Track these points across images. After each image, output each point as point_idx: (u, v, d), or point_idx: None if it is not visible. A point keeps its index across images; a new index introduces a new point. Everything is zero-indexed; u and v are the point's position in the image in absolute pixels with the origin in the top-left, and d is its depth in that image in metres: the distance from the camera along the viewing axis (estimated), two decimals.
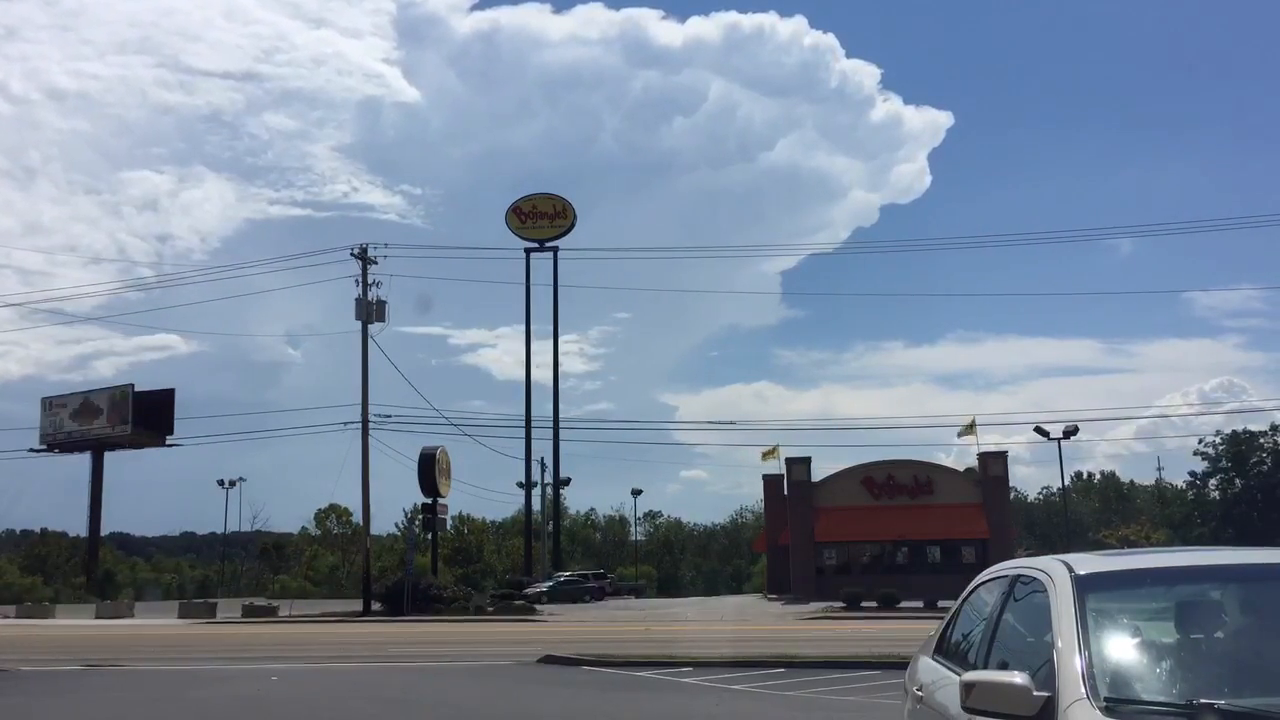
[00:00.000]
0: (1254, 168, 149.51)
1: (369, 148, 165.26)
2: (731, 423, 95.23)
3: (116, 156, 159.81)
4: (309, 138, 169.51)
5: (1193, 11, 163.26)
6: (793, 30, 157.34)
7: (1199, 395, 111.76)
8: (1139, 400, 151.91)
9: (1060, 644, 3.97)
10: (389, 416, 55.51)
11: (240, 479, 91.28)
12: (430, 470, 54.68)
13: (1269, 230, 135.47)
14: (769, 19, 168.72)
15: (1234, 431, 78.13)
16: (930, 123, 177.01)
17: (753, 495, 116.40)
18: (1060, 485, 70.43)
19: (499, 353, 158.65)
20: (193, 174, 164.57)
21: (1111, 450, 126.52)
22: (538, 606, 49.05)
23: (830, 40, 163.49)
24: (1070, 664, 3.84)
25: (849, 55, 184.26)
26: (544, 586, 58.61)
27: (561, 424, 69.23)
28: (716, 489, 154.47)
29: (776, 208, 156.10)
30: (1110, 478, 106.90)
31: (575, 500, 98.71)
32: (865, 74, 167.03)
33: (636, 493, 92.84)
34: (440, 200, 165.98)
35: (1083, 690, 3.71)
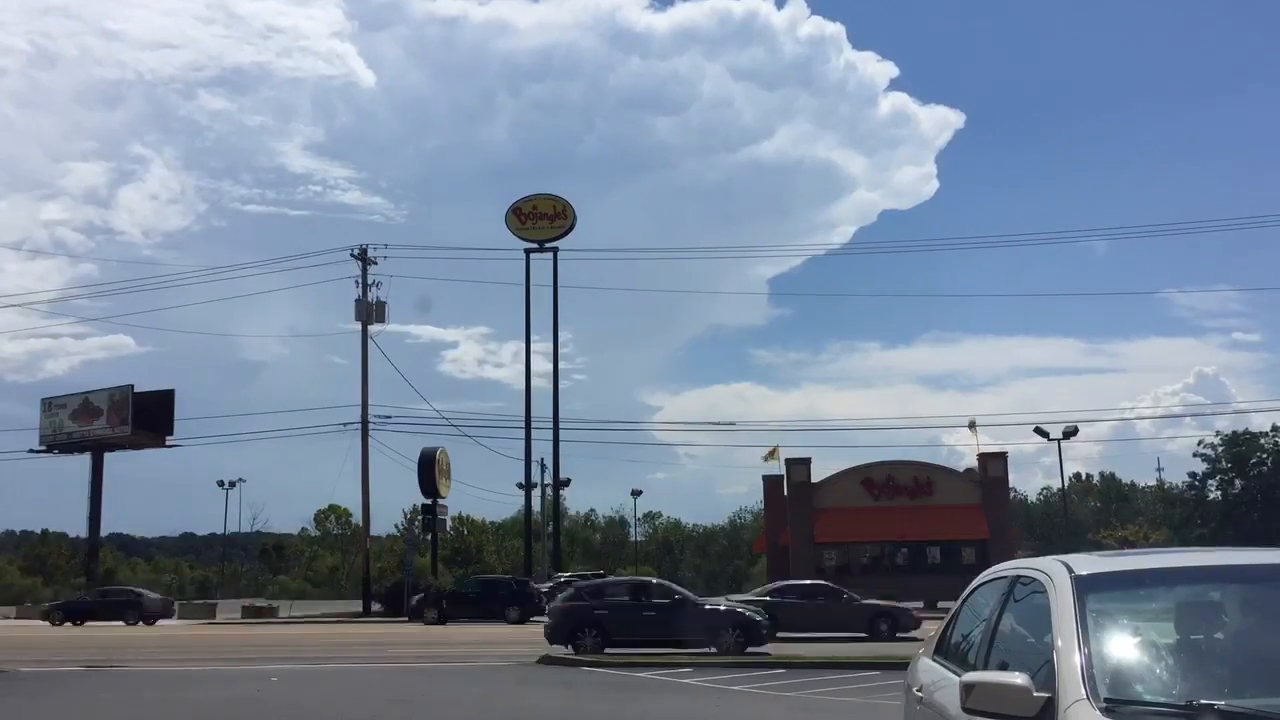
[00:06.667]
0: (1239, 171, 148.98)
1: (331, 134, 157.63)
2: (732, 424, 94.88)
3: (50, 144, 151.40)
4: (266, 128, 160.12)
5: (1192, 18, 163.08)
6: (792, 18, 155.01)
7: (1181, 395, 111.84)
8: (1129, 400, 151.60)
9: (1060, 644, 3.97)
10: (389, 417, 55.59)
11: (240, 480, 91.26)
12: (430, 471, 54.68)
13: (1245, 232, 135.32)
14: (766, 6, 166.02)
15: (1234, 432, 78.11)
16: (940, 121, 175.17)
17: (743, 497, 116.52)
18: (1060, 486, 70.59)
19: (459, 353, 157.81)
20: (136, 162, 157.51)
21: (1088, 451, 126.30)
22: None
23: (837, 30, 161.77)
24: (1070, 664, 3.84)
25: (856, 47, 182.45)
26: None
27: (558, 425, 69.07)
28: (709, 490, 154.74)
29: (771, 208, 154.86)
30: (1110, 479, 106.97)
31: (573, 501, 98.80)
32: (875, 69, 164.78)
33: (636, 493, 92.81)
34: (404, 189, 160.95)
35: (1083, 691, 3.71)
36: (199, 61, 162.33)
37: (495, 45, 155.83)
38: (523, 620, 39.24)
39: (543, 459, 69.99)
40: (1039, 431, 57.50)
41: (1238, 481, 78.86)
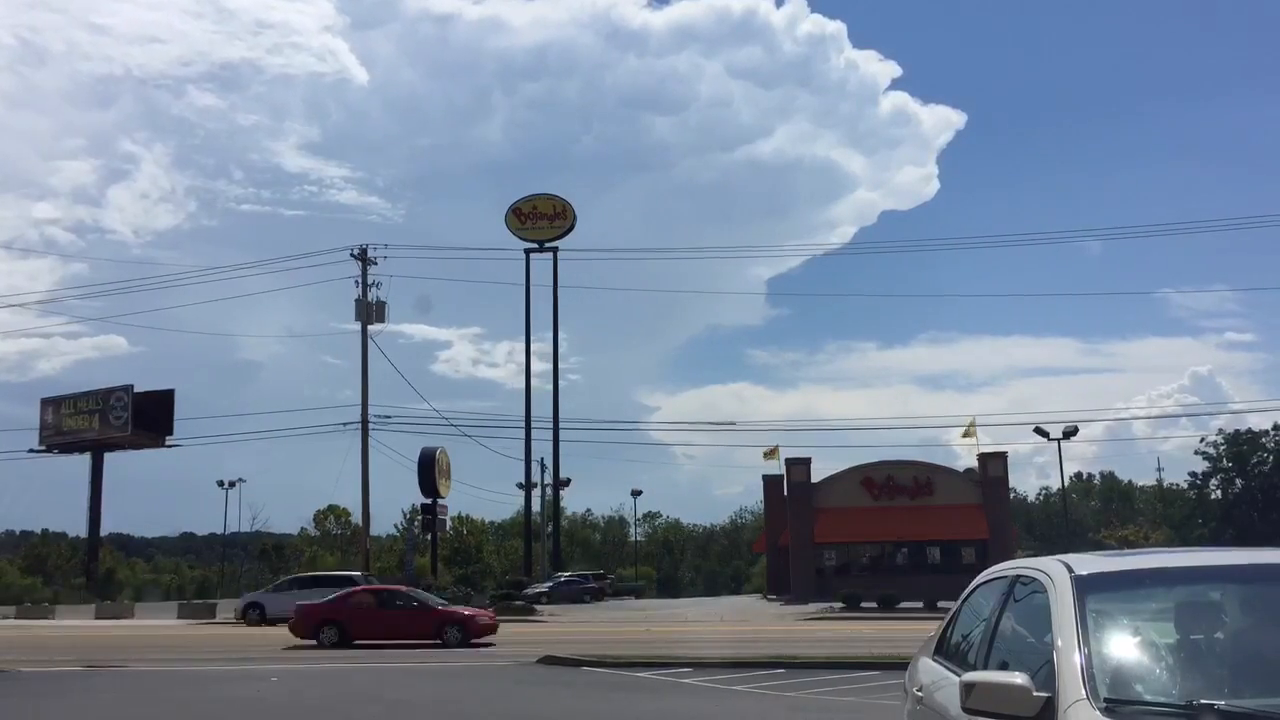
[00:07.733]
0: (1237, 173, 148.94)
1: (326, 132, 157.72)
2: (732, 424, 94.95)
3: (40, 142, 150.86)
4: (260, 126, 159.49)
5: (1192, 19, 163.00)
6: (792, 16, 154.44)
7: (1176, 396, 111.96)
8: (1125, 400, 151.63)
9: (1060, 644, 3.97)
10: (389, 417, 55.62)
11: (240, 480, 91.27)
12: (430, 471, 54.72)
13: (1242, 233, 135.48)
14: (765, 4, 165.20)
15: (1236, 431, 78.07)
16: (941, 121, 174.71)
17: (741, 497, 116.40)
18: (1060, 486, 70.57)
19: (453, 353, 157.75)
20: (126, 160, 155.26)
21: (1083, 451, 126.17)
22: (537, 607, 49.02)
23: (837, 28, 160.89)
24: (1070, 664, 3.84)
25: (857, 46, 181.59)
26: (544, 587, 58.58)
27: (558, 425, 69.12)
28: (706, 490, 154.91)
29: (770, 208, 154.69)
30: (1109, 478, 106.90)
31: (571, 501, 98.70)
32: (876, 68, 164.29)
33: (636, 493, 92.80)
34: (400, 188, 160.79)
35: (1083, 691, 3.71)
36: (188, 57, 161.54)
37: (490, 43, 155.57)
38: None
39: (542, 459, 70.03)
40: (1039, 431, 57.49)
41: (1238, 481, 78.83)
